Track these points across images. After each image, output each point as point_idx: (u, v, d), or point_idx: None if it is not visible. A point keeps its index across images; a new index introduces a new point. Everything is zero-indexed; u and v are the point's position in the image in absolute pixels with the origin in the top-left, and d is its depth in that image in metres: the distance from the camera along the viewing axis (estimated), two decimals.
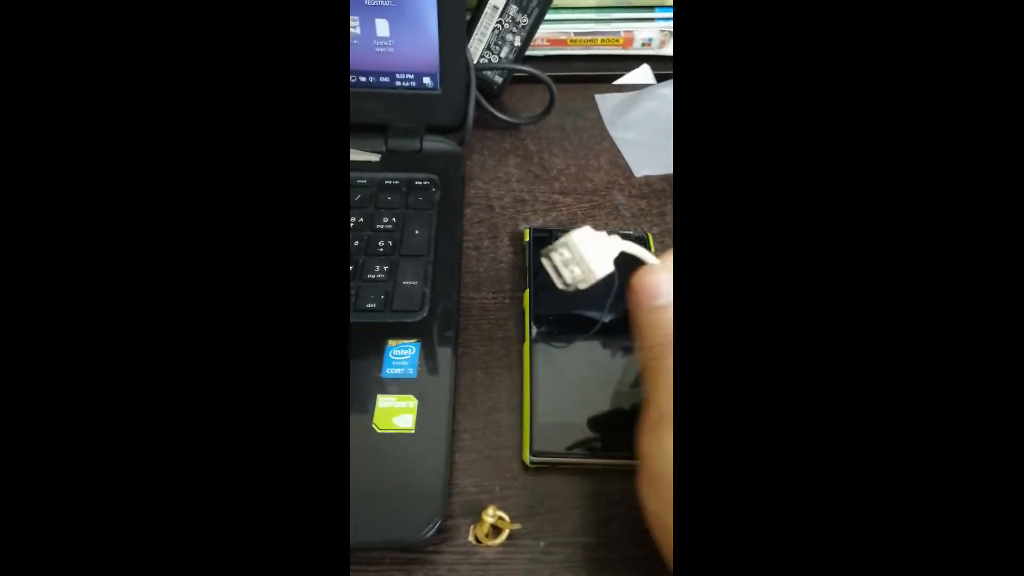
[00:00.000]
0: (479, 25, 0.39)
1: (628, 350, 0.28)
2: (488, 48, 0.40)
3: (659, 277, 0.21)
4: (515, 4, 0.38)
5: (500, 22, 0.39)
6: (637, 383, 0.27)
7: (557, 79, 0.42)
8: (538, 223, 0.35)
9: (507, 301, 0.31)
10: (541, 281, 0.31)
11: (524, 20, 0.39)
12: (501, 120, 0.40)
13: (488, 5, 0.39)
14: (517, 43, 0.39)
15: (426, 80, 0.36)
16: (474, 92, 0.36)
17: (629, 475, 0.25)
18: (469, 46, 0.40)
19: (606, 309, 0.29)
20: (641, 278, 0.21)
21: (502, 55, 0.40)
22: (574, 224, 0.35)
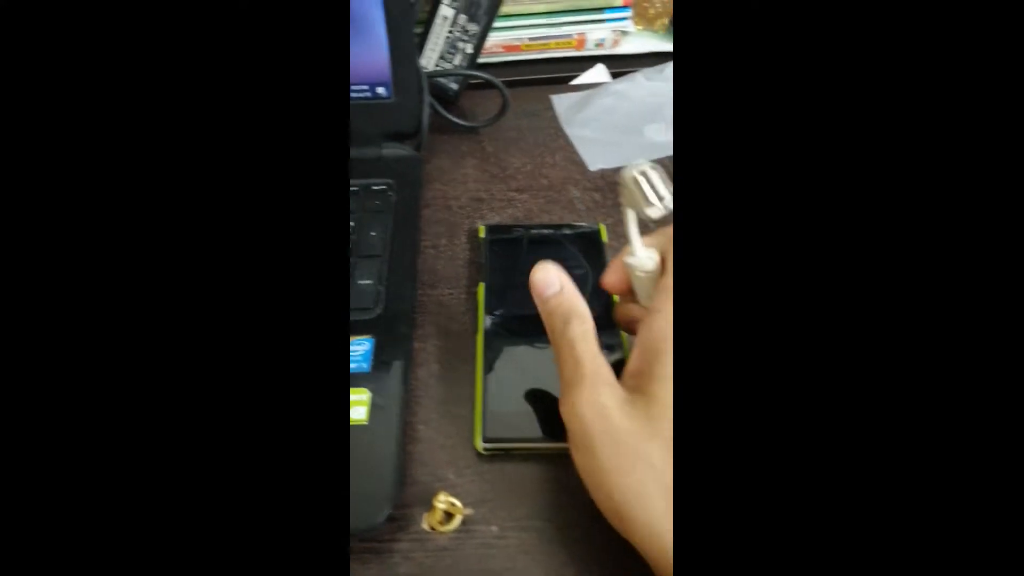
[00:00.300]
0: (431, 36, 0.41)
1: None
2: (442, 57, 0.41)
3: (549, 271, 0.25)
4: (464, 14, 0.40)
5: (451, 31, 0.40)
6: None
7: (514, 83, 0.44)
8: (495, 220, 0.36)
9: (463, 296, 0.32)
10: (495, 275, 0.31)
11: (474, 28, 0.40)
12: (458, 124, 0.41)
13: (438, 16, 0.40)
14: (469, 50, 0.40)
15: (380, 90, 0.37)
16: (427, 99, 0.37)
17: None
18: (423, 56, 0.41)
19: (585, 301, 0.30)
20: (535, 274, 0.25)
21: (455, 63, 0.41)
22: (530, 219, 0.36)
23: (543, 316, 0.24)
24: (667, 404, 0.19)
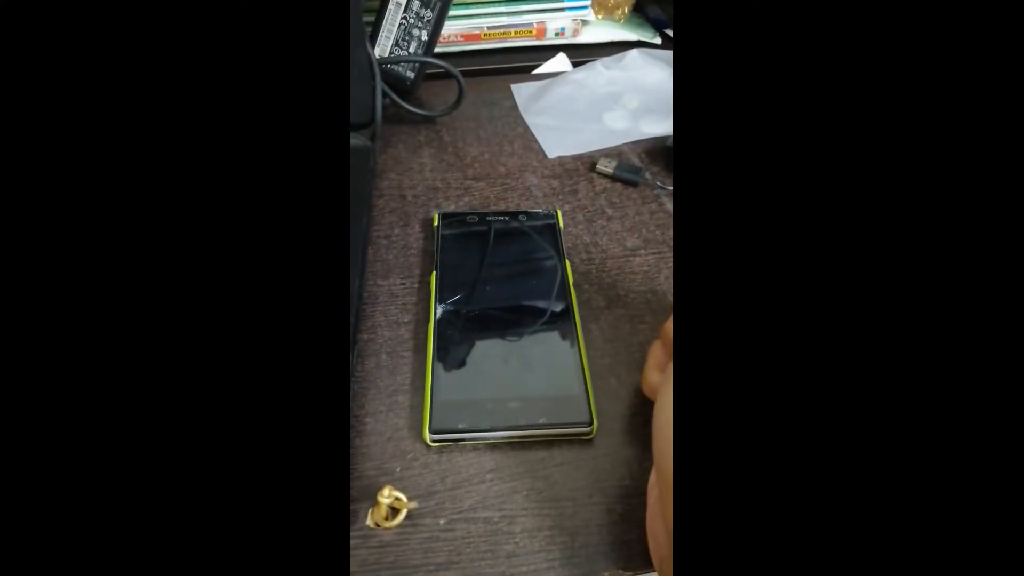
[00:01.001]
0: (385, 22, 0.40)
1: (531, 327, 0.28)
2: (396, 44, 0.40)
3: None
4: (417, 0, 0.39)
5: (405, 18, 0.39)
6: (536, 358, 0.27)
7: (474, 72, 0.43)
8: (450, 208, 0.35)
9: (416, 286, 0.31)
10: (448, 263, 0.30)
11: (428, 14, 0.39)
12: (415, 114, 0.40)
13: (391, 2, 0.39)
14: (424, 37, 0.40)
15: None
16: (380, 87, 0.37)
17: (531, 446, 0.25)
18: (377, 43, 0.40)
19: (512, 290, 0.29)
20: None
21: (410, 50, 0.40)
22: (486, 207, 0.35)
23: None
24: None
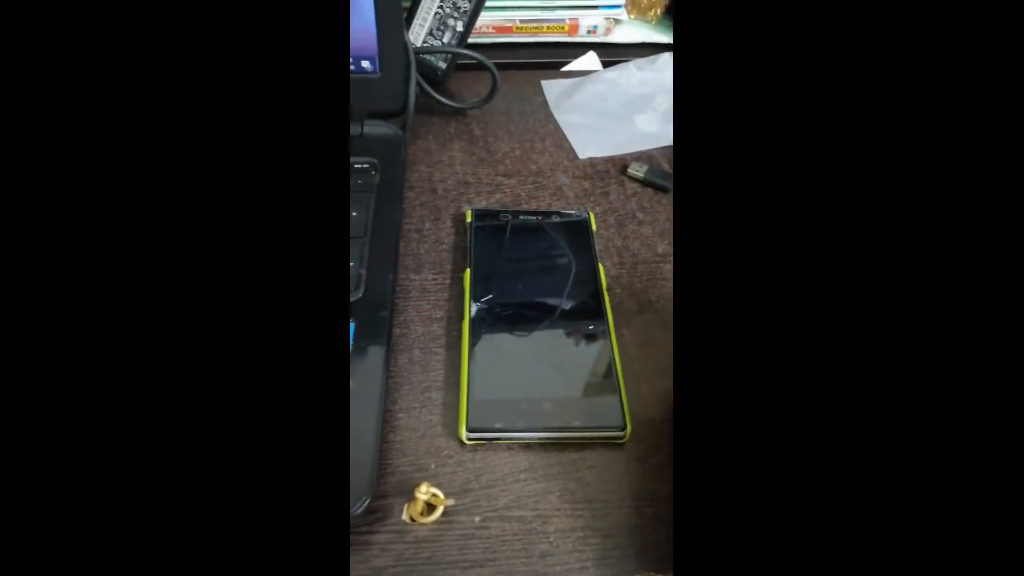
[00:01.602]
0: (420, 10, 0.39)
1: (566, 328, 0.28)
2: (430, 33, 0.40)
3: None
4: None
5: (441, 7, 0.39)
6: (572, 359, 0.27)
7: (504, 66, 0.42)
8: (482, 204, 0.35)
9: (448, 282, 0.31)
10: (482, 261, 0.30)
11: (465, 5, 0.38)
12: (446, 105, 0.39)
13: None
14: (459, 28, 0.39)
15: (365, 64, 0.35)
16: (415, 76, 0.36)
17: (565, 447, 0.25)
18: (411, 32, 0.40)
19: (546, 290, 0.29)
20: None
21: (444, 40, 0.40)
22: (517, 205, 0.35)
23: None
24: None
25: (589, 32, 0.46)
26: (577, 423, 0.25)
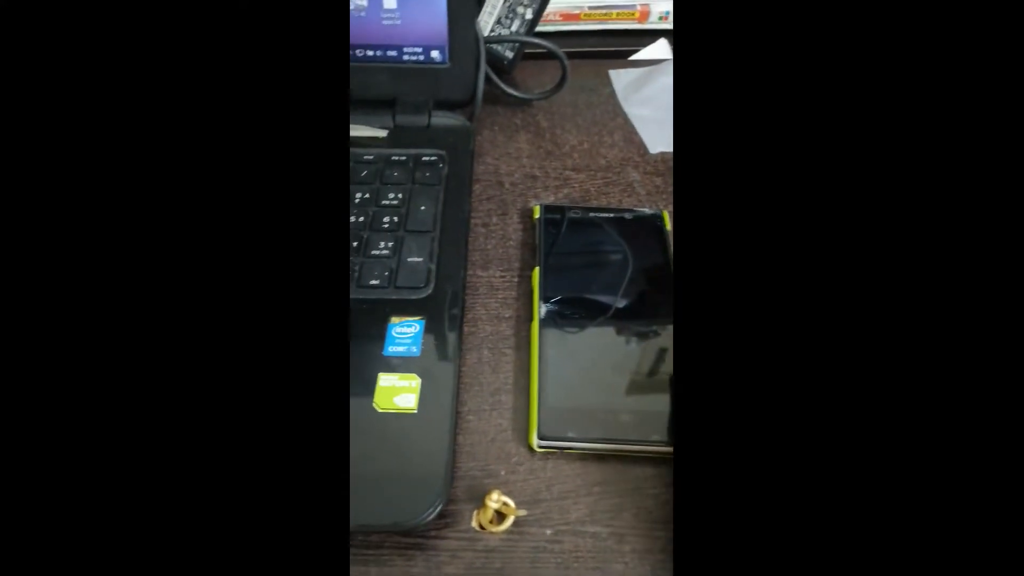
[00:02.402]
0: None
1: (641, 334, 0.27)
2: (498, 21, 0.38)
3: None
4: None
5: None
6: (650, 369, 0.26)
7: (570, 55, 0.41)
8: (549, 200, 0.33)
9: (516, 280, 0.30)
10: (551, 259, 0.29)
11: None
12: (512, 96, 0.38)
13: None
14: (528, 16, 0.38)
15: (434, 54, 0.35)
16: (483, 66, 0.35)
17: (640, 462, 0.24)
18: (479, 19, 0.38)
19: (619, 293, 0.28)
20: None
21: (512, 28, 0.38)
22: (587, 201, 0.34)
23: None
24: None
25: (661, 18, 0.44)
26: (656, 437, 0.23)
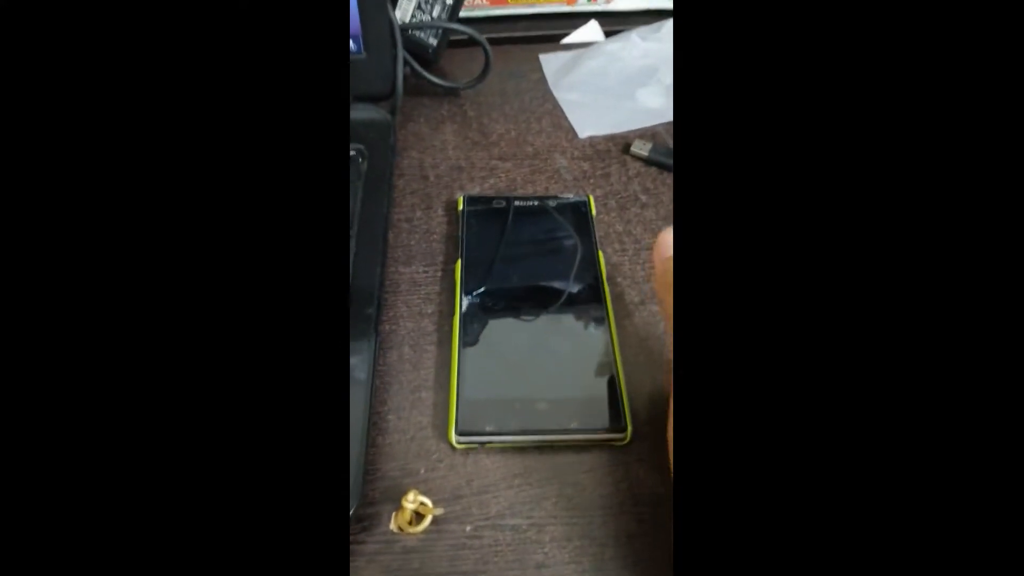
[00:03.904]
0: None
1: (562, 322, 0.26)
2: (419, 7, 0.37)
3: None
4: None
5: None
6: (568, 356, 0.25)
7: (500, 40, 0.40)
8: (475, 191, 0.33)
9: (439, 274, 0.29)
10: (474, 251, 0.29)
11: None
12: (437, 85, 0.37)
13: None
14: (449, 1, 0.37)
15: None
16: (401, 55, 0.34)
17: (560, 450, 0.24)
18: (397, 7, 0.37)
19: (542, 281, 0.28)
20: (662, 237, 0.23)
21: (434, 14, 0.37)
22: (513, 190, 0.33)
23: (658, 275, 0.23)
24: None
25: (590, 0, 0.44)
26: (574, 424, 0.23)
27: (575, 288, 0.28)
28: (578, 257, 0.29)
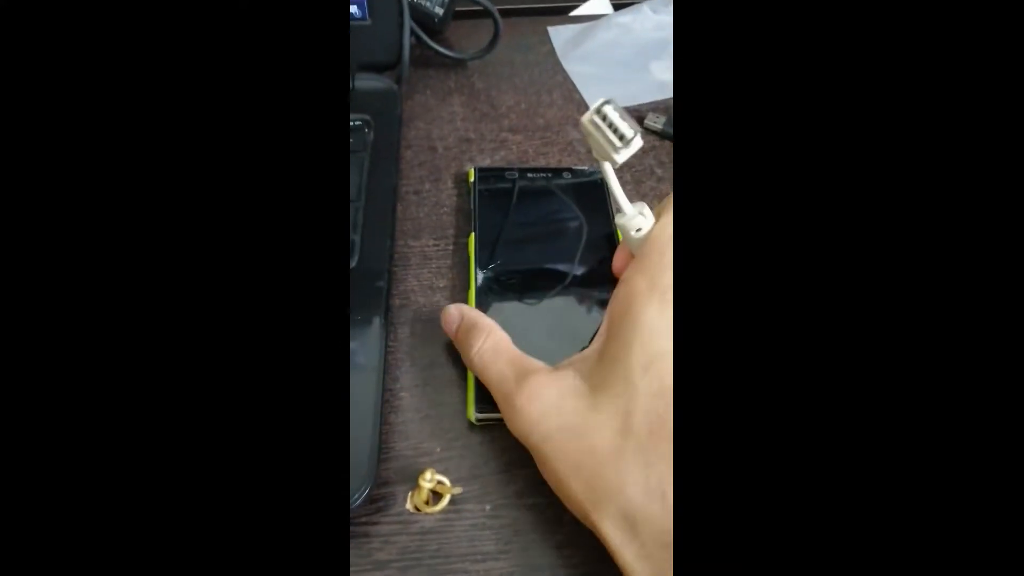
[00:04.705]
0: None
1: (583, 297, 0.25)
2: None
3: (449, 311, 0.23)
4: None
5: None
6: (591, 332, 0.24)
7: (507, 12, 0.39)
8: (485, 162, 0.32)
9: (451, 248, 0.28)
10: (488, 224, 0.28)
11: None
12: (444, 56, 0.36)
13: None
14: None
15: (352, 9, 0.32)
16: (408, 22, 0.33)
17: None
18: None
19: (561, 256, 0.27)
20: (444, 318, 0.24)
21: None
22: (525, 162, 0.32)
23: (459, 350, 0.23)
24: (618, 360, 0.18)
25: None
26: None
27: (592, 263, 0.27)
28: (595, 231, 0.28)
